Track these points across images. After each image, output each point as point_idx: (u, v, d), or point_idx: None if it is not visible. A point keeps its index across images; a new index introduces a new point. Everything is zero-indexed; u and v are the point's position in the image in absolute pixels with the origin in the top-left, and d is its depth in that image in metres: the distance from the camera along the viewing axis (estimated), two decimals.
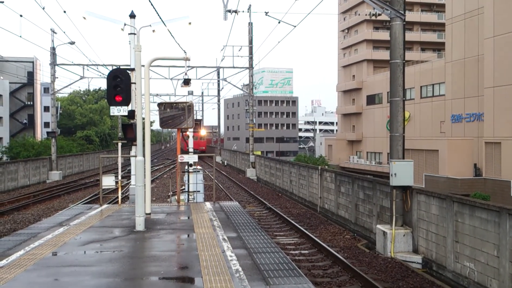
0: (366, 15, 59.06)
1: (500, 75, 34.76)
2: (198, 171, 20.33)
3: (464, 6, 42.96)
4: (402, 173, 13.93)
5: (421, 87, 51.92)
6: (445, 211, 12.31)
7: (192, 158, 16.64)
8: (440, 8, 62.07)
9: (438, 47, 62.91)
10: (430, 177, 38.85)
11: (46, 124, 69.98)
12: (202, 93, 67.32)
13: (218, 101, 67.27)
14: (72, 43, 36.15)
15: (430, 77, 50.13)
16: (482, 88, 37.91)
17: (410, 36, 61.77)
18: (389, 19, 14.58)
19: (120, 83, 10.78)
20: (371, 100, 63.38)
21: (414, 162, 15.47)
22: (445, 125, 47.01)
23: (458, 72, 44.05)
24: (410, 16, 61.20)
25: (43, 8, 24.02)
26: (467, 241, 11.44)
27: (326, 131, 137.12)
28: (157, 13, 15.87)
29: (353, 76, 68.43)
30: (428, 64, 51.54)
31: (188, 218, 12.20)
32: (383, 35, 62.94)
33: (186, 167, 19.19)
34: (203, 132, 61.77)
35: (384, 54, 61.74)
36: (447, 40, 46.35)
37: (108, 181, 15.04)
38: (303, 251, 14.15)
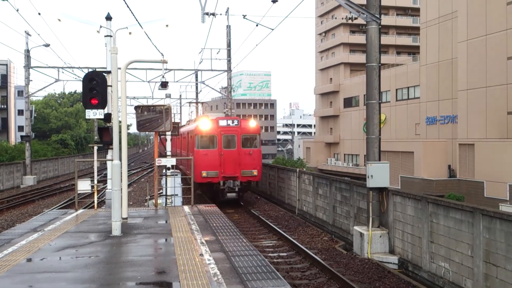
0: (342, 18, 59.68)
1: (473, 78, 35.48)
2: (176, 175, 20.23)
3: (438, 10, 43.73)
4: (379, 174, 14.09)
5: (396, 90, 52.63)
6: (420, 212, 12.49)
7: (170, 161, 16.55)
8: (415, 12, 63.08)
9: (413, 51, 63.90)
10: (405, 179, 39.38)
11: (20, 128, 68.68)
12: (180, 96, 66.80)
13: (196, 104, 66.98)
14: (47, 45, 35.60)
15: (405, 80, 50.86)
16: (456, 90, 38.63)
17: (386, 39, 62.59)
18: (365, 22, 14.76)
19: (96, 85, 10.69)
20: (348, 102, 63.97)
21: (390, 164, 15.66)
22: (420, 127, 47.72)
23: (432, 75, 44.80)
24: (386, 20, 62.04)
25: (17, 10, 23.63)
26: (442, 241, 11.62)
27: (304, 133, 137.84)
28: (133, 15, 15.76)
29: (331, 79, 68.98)
30: (404, 67, 52.28)
31: (166, 222, 12.12)
32: (360, 38, 63.64)
33: (164, 171, 19.08)
34: (252, 124, 22.06)
35: (360, 58, 62.42)
36: (421, 44, 47.11)
37: (83, 186, 14.85)
38: (281, 254, 14.18)
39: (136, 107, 14.65)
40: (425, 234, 12.26)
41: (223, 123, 21.53)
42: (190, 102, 51.05)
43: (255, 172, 21.60)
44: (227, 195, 20.91)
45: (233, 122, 21.61)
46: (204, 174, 20.67)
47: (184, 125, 37.92)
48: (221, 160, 20.92)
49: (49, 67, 37.29)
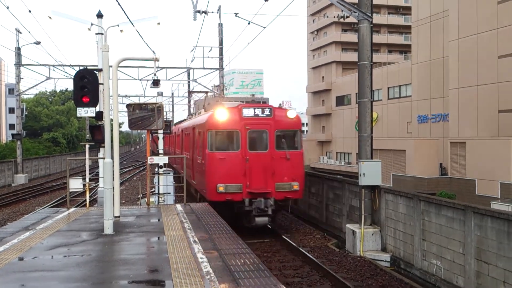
0: (334, 17, 59.72)
1: (464, 76, 35.69)
2: (168, 173, 20.16)
3: (429, 9, 43.93)
4: (371, 173, 14.15)
5: (388, 88, 52.82)
6: (412, 210, 12.55)
7: (162, 159, 16.49)
8: (407, 11, 63.35)
9: (404, 49, 64.16)
10: (397, 177, 39.55)
11: (11, 126, 68.22)
12: (172, 94, 66.59)
13: (189, 102, 66.91)
14: (38, 43, 35.36)
15: (397, 78, 51.05)
16: (447, 89, 38.85)
17: (378, 38, 62.79)
18: (357, 21, 14.80)
19: (87, 83, 10.62)
20: (340, 101, 64.13)
21: (382, 162, 15.73)
22: (411, 126, 47.95)
23: (424, 73, 45.01)
24: (378, 18, 62.24)
25: (8, 8, 23.47)
26: (433, 239, 11.69)
27: None
28: (124, 13, 15.69)
29: (323, 77, 69.10)
30: (395, 65, 52.48)
31: (158, 220, 12.08)
32: (352, 37, 63.80)
33: (156, 169, 19.01)
34: (291, 114, 16.25)
35: (352, 56, 62.58)
36: (413, 42, 47.31)
37: (75, 184, 14.75)
38: (274, 252, 14.19)
39: (128, 105, 14.58)
40: (417, 232, 12.33)
41: (248, 112, 15.59)
42: (191, 92, 41.43)
43: (295, 186, 15.46)
44: (255, 220, 15.18)
45: (263, 112, 15.61)
46: (220, 188, 15.10)
47: (184, 120, 32.80)
48: (246, 167, 15.14)
49: (40, 65, 37.06)
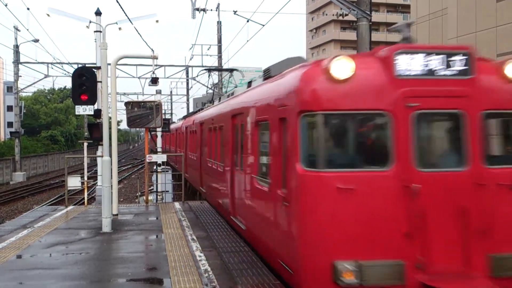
0: (333, 15, 59.78)
1: None
2: (167, 171, 20.16)
3: (428, 7, 43.94)
4: None
5: None
6: None
7: (161, 157, 16.49)
8: (405, 9, 63.41)
9: None
10: None
11: (10, 124, 68.17)
12: (171, 92, 66.46)
13: (187, 100, 66.87)
14: (36, 41, 35.32)
15: None
16: None
17: (376, 36, 62.83)
18: (356, 19, 14.79)
19: (85, 81, 10.62)
20: None
21: None
22: None
23: None
24: (376, 16, 62.32)
25: (6, 5, 23.45)
26: None
27: None
28: (123, 10, 15.67)
29: None
30: None
31: (157, 218, 12.09)
32: (350, 35, 63.91)
33: (155, 167, 19.01)
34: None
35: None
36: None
37: (73, 182, 14.78)
38: None
39: (126, 103, 14.59)
40: None
41: (412, 65, 5.84)
42: (209, 69, 30.73)
43: None
44: None
45: (449, 64, 5.81)
46: (347, 275, 5.27)
47: (200, 110, 20.98)
48: (414, 213, 5.50)
49: (39, 62, 37.01)
